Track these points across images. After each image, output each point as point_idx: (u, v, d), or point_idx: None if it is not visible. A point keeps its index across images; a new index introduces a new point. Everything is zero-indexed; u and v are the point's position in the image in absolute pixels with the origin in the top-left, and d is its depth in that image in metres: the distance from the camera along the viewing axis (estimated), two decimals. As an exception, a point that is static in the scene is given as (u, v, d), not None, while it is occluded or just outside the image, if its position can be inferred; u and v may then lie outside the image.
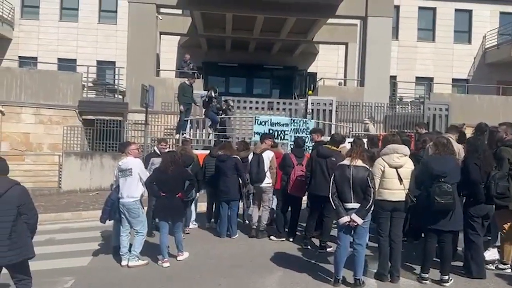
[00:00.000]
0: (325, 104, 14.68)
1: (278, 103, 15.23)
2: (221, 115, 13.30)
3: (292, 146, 9.51)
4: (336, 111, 14.82)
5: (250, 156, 7.71)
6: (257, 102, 14.88)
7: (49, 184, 13.68)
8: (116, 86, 18.21)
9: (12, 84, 15.08)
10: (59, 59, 21.65)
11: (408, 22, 23.97)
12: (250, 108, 14.68)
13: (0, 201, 4.10)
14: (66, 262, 6.59)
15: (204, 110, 13.30)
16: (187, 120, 13.42)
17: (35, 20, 22.62)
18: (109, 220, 6.65)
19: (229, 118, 13.75)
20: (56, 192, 13.19)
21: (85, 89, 16.42)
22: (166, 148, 8.13)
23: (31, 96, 15.13)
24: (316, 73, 24.34)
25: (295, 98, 18.61)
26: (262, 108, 14.81)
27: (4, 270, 4.31)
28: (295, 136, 12.22)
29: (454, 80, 23.67)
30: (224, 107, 13.47)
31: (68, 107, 15.23)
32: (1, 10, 21.29)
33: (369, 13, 17.04)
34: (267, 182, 7.51)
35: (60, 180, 13.95)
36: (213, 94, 13.04)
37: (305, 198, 7.35)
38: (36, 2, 22.73)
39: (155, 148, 8.50)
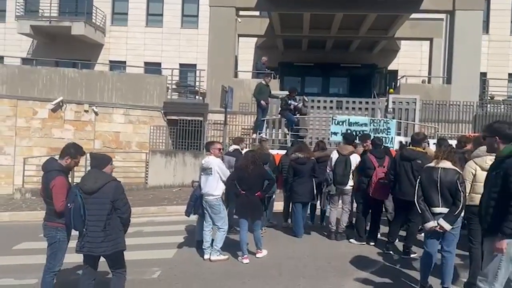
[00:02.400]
0: (408, 103, 14.02)
1: (354, 102, 14.79)
2: (297, 115, 13.28)
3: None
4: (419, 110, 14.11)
5: (334, 156, 7.56)
6: (331, 102, 14.60)
7: (136, 180, 14.63)
8: (197, 88, 18.95)
9: (104, 87, 16.32)
10: (146, 63, 23.03)
11: (500, 14, 22.16)
12: (325, 107, 14.46)
13: (96, 195, 4.41)
14: (153, 254, 7.00)
15: (280, 110, 13.40)
16: (264, 120, 13.61)
17: (124, 27, 24.19)
18: (193, 214, 6.96)
19: (304, 118, 13.62)
20: (142, 187, 14.06)
21: (169, 91, 17.30)
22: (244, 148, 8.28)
23: (121, 97, 16.25)
24: (397, 70, 23.37)
25: (374, 97, 18.01)
26: (337, 108, 14.49)
27: (102, 259, 4.68)
28: (374, 137, 11.89)
29: (553, 76, 21.47)
30: (300, 106, 13.40)
31: (154, 108, 16.15)
32: (95, 18, 23.14)
33: (457, 6, 16.01)
34: (350, 184, 7.40)
35: (146, 176, 14.85)
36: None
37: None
38: (125, 9, 24.32)
39: (236, 146, 8.69)
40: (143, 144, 15.85)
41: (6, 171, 15.69)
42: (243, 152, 8.45)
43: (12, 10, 23.01)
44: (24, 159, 14.60)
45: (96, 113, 15.99)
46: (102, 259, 4.65)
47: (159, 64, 22.97)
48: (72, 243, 4.81)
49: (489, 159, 5.08)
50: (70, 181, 5.05)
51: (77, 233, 4.56)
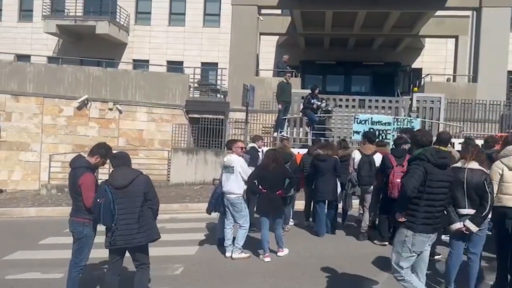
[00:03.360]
0: (432, 101, 13.80)
1: (377, 100, 14.61)
2: (318, 114, 13.20)
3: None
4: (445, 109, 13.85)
5: (357, 157, 7.48)
6: (353, 100, 14.45)
7: (159, 177, 14.77)
8: (218, 86, 19.06)
9: (128, 85, 16.57)
10: (168, 62, 23.30)
11: (529, 10, 21.48)
12: (347, 106, 14.33)
13: (128, 189, 4.53)
14: (176, 250, 7.08)
15: (301, 108, 13.34)
16: (285, 119, 13.57)
17: (147, 26, 24.51)
18: (214, 212, 7.01)
19: (328, 118, 13.54)
20: (165, 184, 14.22)
21: (191, 89, 17.44)
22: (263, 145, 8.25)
23: (144, 96, 16.47)
24: (421, 68, 22.99)
25: (397, 96, 17.74)
26: (360, 106, 14.35)
27: (127, 254, 4.76)
28: (396, 136, 11.72)
29: None
30: (323, 105, 13.32)
31: (177, 106, 16.31)
32: (119, 17, 23.50)
33: (484, 3, 15.67)
34: (372, 184, 7.32)
35: (168, 174, 15.02)
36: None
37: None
38: (148, 8, 24.64)
39: (252, 144, 8.74)
40: (166, 142, 16.03)
41: (32, 167, 16.10)
42: (263, 150, 8.49)
43: (39, 10, 23.59)
44: (50, 155, 14.96)
45: (120, 111, 16.24)
46: (126, 254, 4.72)
47: (181, 62, 23.18)
48: (98, 239, 4.92)
49: (517, 159, 4.96)
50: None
51: (103, 228, 4.65)
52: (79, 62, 20.53)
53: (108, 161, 5.06)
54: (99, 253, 5.28)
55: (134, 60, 23.95)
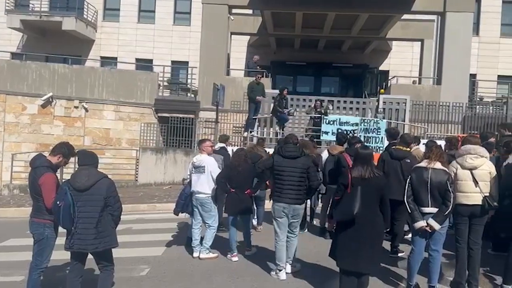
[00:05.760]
0: (398, 103, 14.16)
1: (345, 101, 14.89)
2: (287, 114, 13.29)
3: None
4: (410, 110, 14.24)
5: (324, 156, 7.58)
6: (323, 101, 14.61)
7: (126, 177, 14.55)
8: (188, 85, 18.90)
9: (95, 83, 16.20)
10: (137, 59, 22.89)
11: (490, 17, 22.39)
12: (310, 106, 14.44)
13: (89, 192, 4.40)
14: (143, 251, 6.97)
15: (272, 109, 13.41)
16: (255, 119, 13.61)
17: (116, 22, 24.02)
18: (182, 213, 6.94)
19: (292, 114, 13.53)
20: (133, 184, 14.00)
21: (161, 88, 17.23)
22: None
23: (112, 94, 16.15)
24: (388, 71, 23.53)
25: (365, 97, 18.11)
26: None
27: (90, 256, 4.66)
28: (364, 136, 11.96)
29: (542, 79, 21.74)
30: (292, 112, 13.43)
31: (145, 105, 16.07)
32: (86, 13, 22.94)
33: (448, 8, 16.17)
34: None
35: (136, 174, 14.78)
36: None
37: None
38: (117, 5, 24.12)
39: (219, 145, 8.80)
40: (134, 141, 15.77)
41: (-6, 167, 15.53)
42: (232, 150, 8.49)
43: (2, 4, 22.71)
44: (12, 155, 14.45)
45: (86, 109, 15.87)
46: (89, 256, 4.62)
47: (150, 61, 22.87)
48: (60, 240, 4.78)
49: (469, 158, 5.16)
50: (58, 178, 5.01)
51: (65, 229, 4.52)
52: (44, 59, 19.90)
53: (69, 160, 4.93)
54: (61, 254, 5.11)
55: (102, 57, 23.45)
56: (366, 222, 4.52)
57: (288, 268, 5.89)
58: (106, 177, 4.54)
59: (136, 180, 14.57)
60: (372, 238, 4.57)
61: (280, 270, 5.75)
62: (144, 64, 21.57)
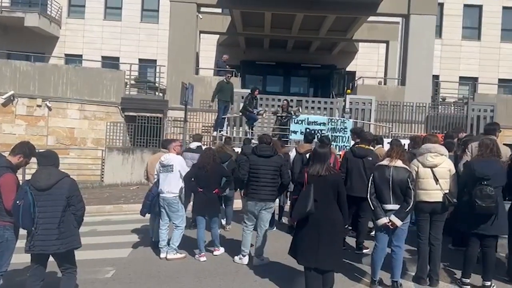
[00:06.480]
0: (364, 103, 14.46)
1: (313, 101, 15.08)
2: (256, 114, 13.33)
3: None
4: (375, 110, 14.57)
5: (292, 155, 7.69)
6: (291, 101, 14.75)
7: (92, 177, 14.21)
8: (157, 84, 18.66)
9: (58, 81, 15.75)
10: (103, 57, 22.41)
11: (453, 20, 23.23)
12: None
13: (50, 191, 4.28)
14: (108, 253, 6.83)
15: (241, 108, 13.41)
16: (225, 118, 13.59)
17: (81, 19, 23.45)
18: (149, 214, 6.85)
19: (261, 114, 13.61)
20: (98, 185, 13.68)
21: (128, 86, 16.92)
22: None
23: (76, 92, 15.75)
24: (355, 71, 24.01)
25: (333, 97, 18.39)
26: (297, 107, 14.63)
27: (51, 259, 4.53)
28: (332, 135, 12.15)
29: (500, 80, 22.72)
30: (262, 113, 13.49)
31: (111, 103, 15.75)
32: (50, 10, 22.25)
33: (412, 10, 16.63)
34: None
35: (102, 174, 14.47)
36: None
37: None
38: (82, 1, 23.56)
39: (195, 144, 8.72)
40: (99, 141, 15.43)
41: (-50, 168, 14.82)
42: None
43: (-41, -2, 21.72)
44: (-30, 155, 13.84)
45: (49, 108, 15.41)
46: (50, 259, 4.49)
47: (117, 58, 22.42)
48: (20, 243, 4.63)
49: (430, 156, 5.34)
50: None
51: (25, 232, 4.38)
52: (6, 56, 19.21)
53: (31, 160, 4.78)
54: (22, 257, 4.96)
55: (66, 55, 22.85)
56: (324, 219, 4.61)
57: (255, 261, 6.08)
58: (68, 177, 4.43)
59: (102, 180, 14.26)
60: (331, 235, 4.64)
61: (244, 256, 6.16)
62: (111, 62, 21.12)
